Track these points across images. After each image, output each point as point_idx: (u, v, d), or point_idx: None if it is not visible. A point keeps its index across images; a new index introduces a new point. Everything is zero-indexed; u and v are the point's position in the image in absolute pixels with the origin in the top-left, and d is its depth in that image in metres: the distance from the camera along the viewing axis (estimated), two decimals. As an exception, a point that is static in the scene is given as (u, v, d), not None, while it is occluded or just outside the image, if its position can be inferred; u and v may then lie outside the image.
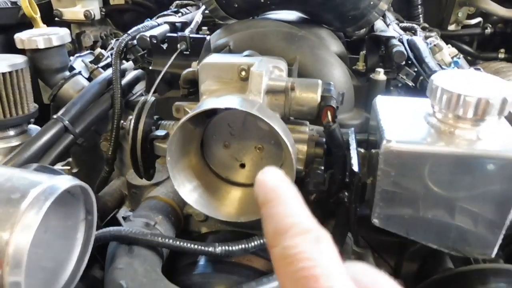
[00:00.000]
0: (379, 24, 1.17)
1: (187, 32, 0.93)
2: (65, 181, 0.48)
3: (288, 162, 0.62)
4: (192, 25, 0.99)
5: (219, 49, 0.90)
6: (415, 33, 1.18)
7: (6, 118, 0.91)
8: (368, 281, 0.29)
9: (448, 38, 1.72)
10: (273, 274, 0.63)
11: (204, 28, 1.16)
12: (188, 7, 1.37)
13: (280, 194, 0.30)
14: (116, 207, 0.92)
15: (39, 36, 0.95)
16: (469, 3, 1.61)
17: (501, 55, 1.67)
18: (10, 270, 0.41)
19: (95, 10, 1.51)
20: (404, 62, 0.93)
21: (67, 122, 0.85)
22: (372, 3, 1.01)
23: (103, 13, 1.58)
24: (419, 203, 0.60)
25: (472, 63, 1.70)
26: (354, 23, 1.06)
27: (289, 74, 0.74)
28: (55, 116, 0.85)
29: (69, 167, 1.07)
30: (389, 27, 1.17)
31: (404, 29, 1.21)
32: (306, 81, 0.66)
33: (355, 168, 0.61)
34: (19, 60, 0.90)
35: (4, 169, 0.50)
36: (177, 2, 1.46)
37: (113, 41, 1.33)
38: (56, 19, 1.48)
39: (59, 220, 0.55)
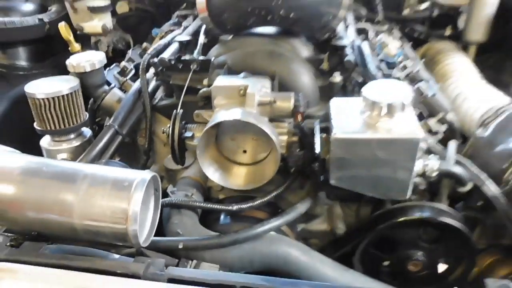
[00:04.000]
0: (339, 27, 1.50)
1: (195, 54, 1.26)
2: (148, 174, 0.83)
3: (274, 149, 0.98)
4: (198, 47, 1.31)
5: (220, 66, 1.23)
6: (367, 35, 1.51)
7: (69, 126, 1.24)
8: None
9: (403, 21, 2.06)
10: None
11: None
12: (187, 18, 1.69)
13: None
14: (157, 185, 1.28)
15: (86, 62, 1.27)
16: (417, -8, 1.96)
17: (448, 32, 2.01)
18: (130, 224, 0.77)
19: (109, 22, 1.80)
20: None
21: (117, 127, 1.20)
22: (331, 16, 1.33)
23: (114, 23, 1.88)
24: (358, 168, 0.96)
25: (424, 41, 2.03)
26: (319, 31, 1.39)
27: (272, 88, 1.09)
28: (108, 124, 1.19)
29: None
30: (347, 29, 1.50)
31: (359, 31, 1.54)
32: (283, 95, 1.01)
33: (317, 150, 0.97)
34: (75, 82, 1.22)
35: (111, 168, 0.85)
36: (177, 13, 1.76)
37: (130, 52, 1.65)
38: (78, 32, 1.78)
39: (145, 192, 0.90)
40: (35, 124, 1.21)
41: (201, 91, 1.08)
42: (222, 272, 0.77)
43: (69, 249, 0.85)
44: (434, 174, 0.98)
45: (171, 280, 0.72)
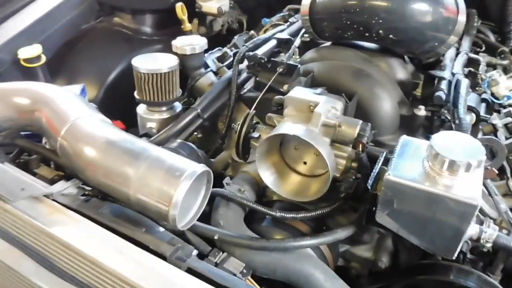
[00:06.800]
0: (449, 52, 1.39)
1: (286, 57, 1.29)
2: (200, 167, 0.91)
3: (328, 171, 0.99)
4: (291, 50, 1.34)
5: (306, 73, 1.25)
6: (477, 68, 1.37)
7: (162, 100, 1.38)
8: None
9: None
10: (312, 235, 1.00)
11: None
12: (296, 15, 1.71)
13: None
14: (223, 170, 1.38)
15: (188, 45, 1.39)
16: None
17: None
18: (172, 208, 0.86)
19: (225, 5, 1.92)
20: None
21: (199, 110, 1.31)
22: (438, 42, 1.25)
23: (231, 5, 1.99)
24: (406, 215, 0.92)
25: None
26: (423, 56, 1.31)
27: (346, 110, 1.08)
28: (192, 106, 1.31)
29: (196, 133, 1.54)
30: (457, 57, 1.38)
31: (469, 62, 1.40)
32: (350, 121, 1.00)
33: (369, 185, 0.96)
34: (174, 63, 1.36)
35: (169, 154, 0.95)
36: (289, 6, 1.80)
37: (236, 37, 1.74)
38: (197, 10, 1.93)
39: (195, 182, 0.99)
40: (135, 93, 1.38)
41: (275, 97, 1.11)
42: (233, 278, 0.83)
43: (125, 211, 0.98)
44: (489, 245, 0.90)
45: (189, 270, 0.80)
